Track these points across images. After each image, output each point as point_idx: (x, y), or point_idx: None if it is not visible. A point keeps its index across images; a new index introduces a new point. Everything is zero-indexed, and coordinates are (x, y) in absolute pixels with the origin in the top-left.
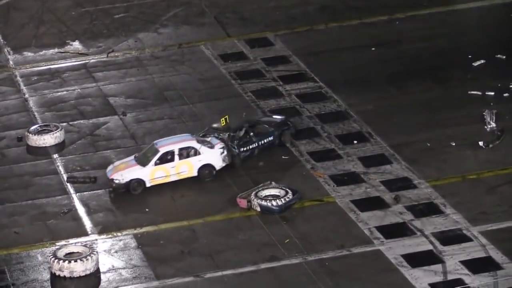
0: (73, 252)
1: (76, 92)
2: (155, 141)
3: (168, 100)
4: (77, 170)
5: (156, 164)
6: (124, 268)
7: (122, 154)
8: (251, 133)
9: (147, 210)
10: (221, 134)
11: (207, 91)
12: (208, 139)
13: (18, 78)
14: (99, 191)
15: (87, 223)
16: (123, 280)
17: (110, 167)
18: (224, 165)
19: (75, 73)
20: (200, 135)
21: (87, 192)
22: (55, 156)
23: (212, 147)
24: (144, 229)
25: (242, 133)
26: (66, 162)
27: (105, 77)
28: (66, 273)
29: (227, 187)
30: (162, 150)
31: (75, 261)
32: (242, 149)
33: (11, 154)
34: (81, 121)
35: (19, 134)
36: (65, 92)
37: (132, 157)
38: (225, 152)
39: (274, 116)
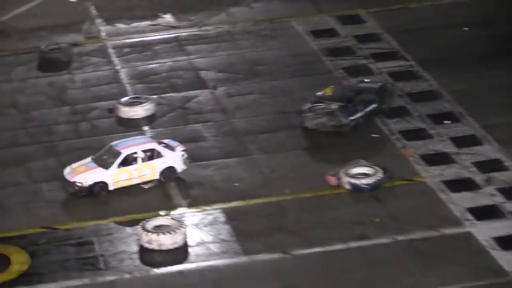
0: (162, 225)
1: (167, 65)
2: (113, 143)
3: (259, 75)
4: None
5: (119, 166)
6: (212, 242)
7: (212, 128)
8: (357, 101)
9: (236, 184)
10: (330, 104)
11: (298, 67)
12: (166, 141)
13: (110, 49)
14: (189, 164)
15: (177, 196)
16: (211, 254)
17: (67, 169)
18: (185, 168)
19: (166, 46)
20: (308, 106)
21: None
22: (146, 128)
23: (173, 149)
24: (233, 204)
25: (347, 101)
26: (156, 134)
27: (196, 51)
28: (154, 246)
29: (317, 163)
30: (125, 152)
31: (164, 234)
32: (350, 118)
33: (102, 125)
34: (172, 94)
35: (110, 106)
36: (156, 65)
37: (89, 159)
38: (185, 155)
39: (366, 80)
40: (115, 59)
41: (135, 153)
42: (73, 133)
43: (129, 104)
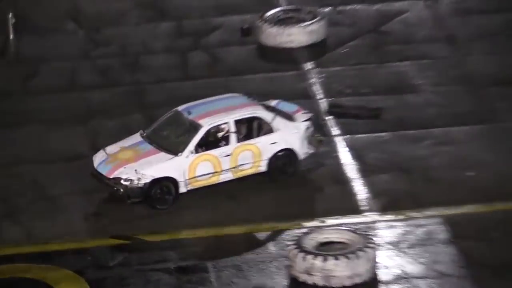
0: (332, 243)
1: None
2: (180, 108)
3: None
4: (346, 94)
5: (197, 150)
6: (423, 277)
7: (429, 71)
8: None
9: (470, 174)
10: None
11: None
12: (273, 103)
13: None
14: (382, 134)
15: (361, 191)
16: None
17: (100, 155)
18: (312, 151)
19: None
20: None
21: (362, 135)
22: (308, 65)
23: (290, 118)
24: (463, 209)
25: None
26: (327, 77)
27: None
28: (318, 279)
29: None
30: (206, 124)
31: (336, 258)
32: None
33: (230, 57)
34: (358, 7)
35: (246, 23)
36: None
37: (138, 136)
38: (312, 128)
39: None
40: None
41: (224, 126)
42: (176, 70)
43: (280, 21)
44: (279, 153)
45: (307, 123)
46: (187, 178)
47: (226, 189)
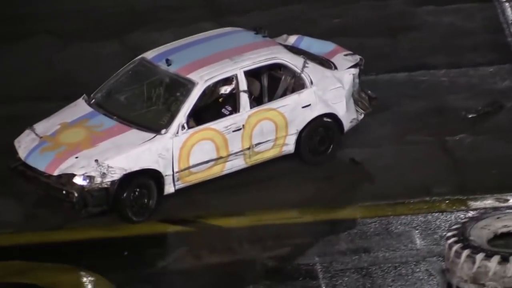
0: None
1: None
2: (152, 53)
3: None
4: None
5: (189, 124)
6: None
7: None
8: None
9: None
10: None
11: None
12: (291, 39)
13: None
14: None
15: None
16: None
17: (28, 140)
18: (361, 117)
19: None
20: None
21: None
22: None
23: (328, 64)
24: None
25: None
26: None
27: None
28: None
29: None
30: (201, 81)
31: None
32: None
33: None
34: None
35: None
36: None
37: (84, 104)
38: (358, 80)
39: None
40: None
41: (229, 81)
42: None
43: None
44: (316, 122)
45: (354, 71)
46: (177, 170)
47: None
